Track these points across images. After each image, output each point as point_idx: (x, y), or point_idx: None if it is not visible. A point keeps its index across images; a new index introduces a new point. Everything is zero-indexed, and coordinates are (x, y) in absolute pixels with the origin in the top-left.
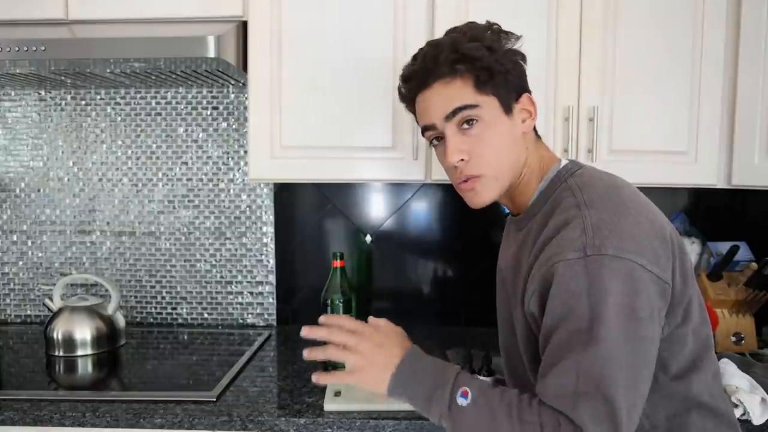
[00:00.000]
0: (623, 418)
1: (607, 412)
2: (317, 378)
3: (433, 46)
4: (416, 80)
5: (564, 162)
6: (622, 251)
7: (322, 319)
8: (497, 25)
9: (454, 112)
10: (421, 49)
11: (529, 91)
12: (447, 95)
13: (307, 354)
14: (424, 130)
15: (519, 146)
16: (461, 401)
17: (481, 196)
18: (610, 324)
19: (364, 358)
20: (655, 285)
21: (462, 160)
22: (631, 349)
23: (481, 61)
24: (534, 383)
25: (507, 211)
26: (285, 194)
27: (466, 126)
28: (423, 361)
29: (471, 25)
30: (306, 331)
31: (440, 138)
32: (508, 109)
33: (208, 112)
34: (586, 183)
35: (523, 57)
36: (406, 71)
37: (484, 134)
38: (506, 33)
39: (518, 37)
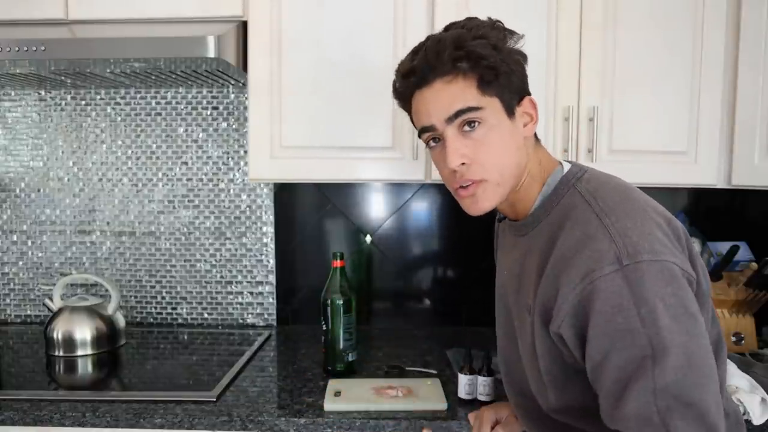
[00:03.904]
0: (715, 416)
1: (696, 416)
2: None
3: (435, 41)
4: (416, 76)
5: (566, 166)
6: (656, 254)
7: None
8: (500, 22)
9: (457, 114)
10: (421, 43)
11: (530, 94)
12: (448, 95)
13: None
14: (422, 131)
15: (521, 151)
16: None
17: (480, 203)
18: (670, 329)
19: None
20: (688, 281)
21: (463, 164)
22: (697, 345)
23: (487, 59)
24: (540, 396)
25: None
26: (285, 194)
27: (467, 128)
28: None
29: (475, 21)
30: None
31: (438, 139)
32: (510, 112)
33: (208, 112)
34: (597, 189)
35: (525, 58)
36: (405, 66)
37: (486, 138)
38: (510, 31)
39: (521, 36)
